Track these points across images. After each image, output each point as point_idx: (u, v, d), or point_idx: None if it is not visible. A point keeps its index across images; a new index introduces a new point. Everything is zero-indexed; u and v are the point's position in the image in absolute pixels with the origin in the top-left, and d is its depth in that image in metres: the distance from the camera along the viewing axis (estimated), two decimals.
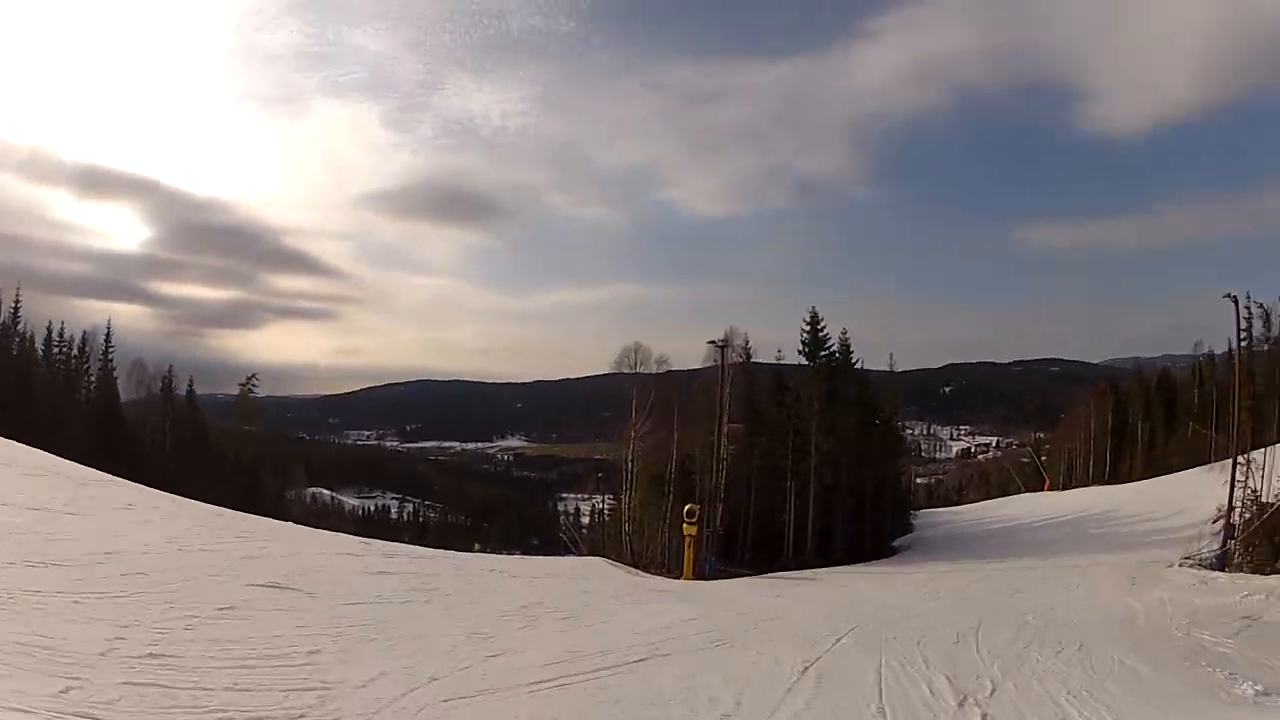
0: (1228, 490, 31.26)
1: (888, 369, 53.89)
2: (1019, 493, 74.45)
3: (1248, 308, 34.24)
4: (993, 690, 12.43)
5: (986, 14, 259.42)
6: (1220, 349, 63.28)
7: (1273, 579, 24.44)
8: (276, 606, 13.31)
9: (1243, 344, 34.08)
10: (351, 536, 31.86)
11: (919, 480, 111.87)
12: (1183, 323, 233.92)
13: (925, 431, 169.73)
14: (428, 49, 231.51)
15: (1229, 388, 58.08)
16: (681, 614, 19.00)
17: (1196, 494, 39.71)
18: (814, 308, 43.51)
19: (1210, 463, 52.82)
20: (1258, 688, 13.03)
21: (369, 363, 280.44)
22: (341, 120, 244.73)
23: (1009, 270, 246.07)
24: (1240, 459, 30.85)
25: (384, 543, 30.25)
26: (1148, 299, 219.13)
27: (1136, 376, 74.62)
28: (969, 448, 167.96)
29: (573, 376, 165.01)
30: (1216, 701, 12.72)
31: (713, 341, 40.82)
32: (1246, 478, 30.34)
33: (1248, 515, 29.72)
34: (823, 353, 43.22)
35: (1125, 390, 72.28)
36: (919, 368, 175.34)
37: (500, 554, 56.75)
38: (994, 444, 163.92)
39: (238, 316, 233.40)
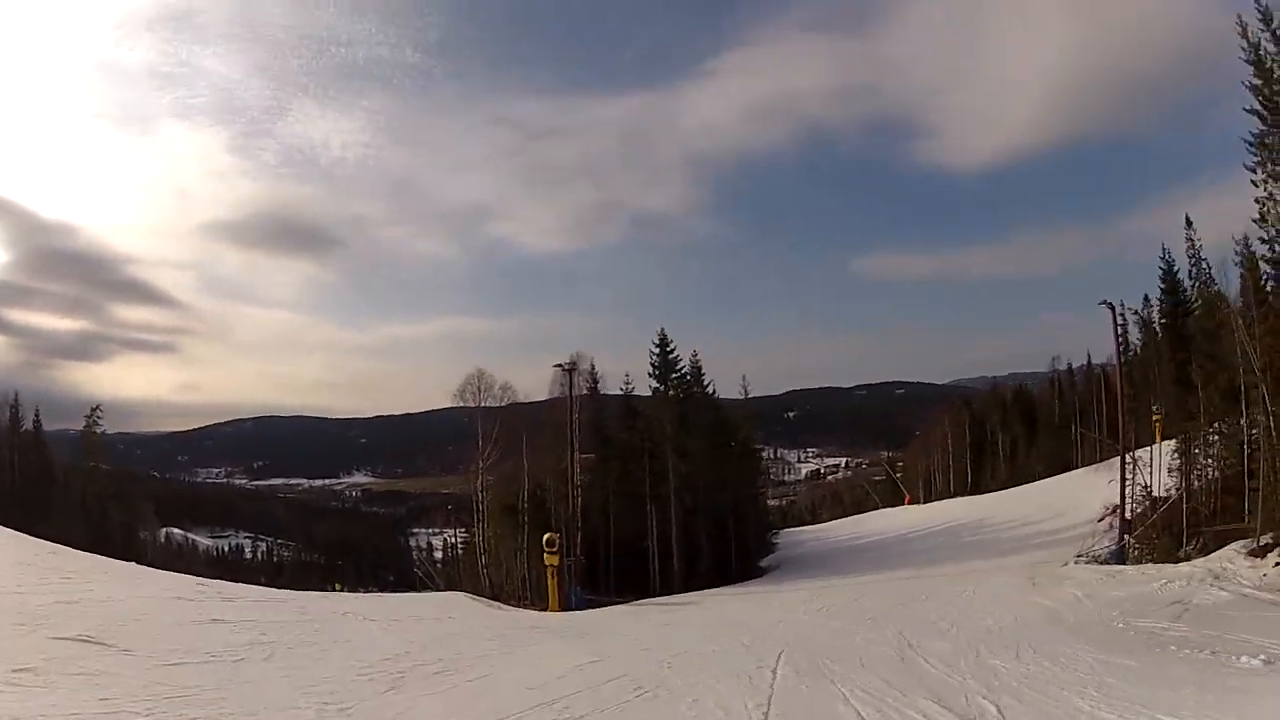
0: (1115, 488, 30.57)
1: (740, 396, 51.03)
2: (876, 509, 74.15)
3: (1122, 315, 34.04)
4: (997, 708, 9.49)
5: (828, 54, 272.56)
6: (1079, 362, 66.79)
7: (1185, 566, 23.19)
8: (81, 669, 10.26)
9: (1122, 349, 33.42)
10: (189, 577, 27.43)
11: (771, 502, 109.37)
12: (1024, 345, 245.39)
13: (773, 455, 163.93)
14: (275, 73, 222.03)
15: (1089, 397, 61.36)
16: (574, 657, 15.11)
17: (1072, 496, 39.46)
18: (662, 329, 41.19)
19: (1080, 466, 54.15)
20: (1260, 657, 12.04)
21: (212, 398, 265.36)
22: (189, 144, 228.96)
23: (850, 298, 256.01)
24: (1128, 457, 30.04)
25: (225, 584, 26.13)
26: (991, 323, 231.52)
27: (992, 391, 76.10)
28: (818, 469, 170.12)
29: (416, 410, 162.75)
30: (1227, 675, 11.36)
31: (559, 365, 38.16)
32: (1134, 475, 29.49)
33: (1140, 510, 29.08)
34: (674, 375, 40.83)
35: (979, 406, 73.53)
36: (763, 394, 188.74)
37: (356, 593, 52.47)
38: (843, 464, 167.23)
39: (85, 348, 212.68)
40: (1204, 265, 31.31)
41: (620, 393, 42.63)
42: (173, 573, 29.52)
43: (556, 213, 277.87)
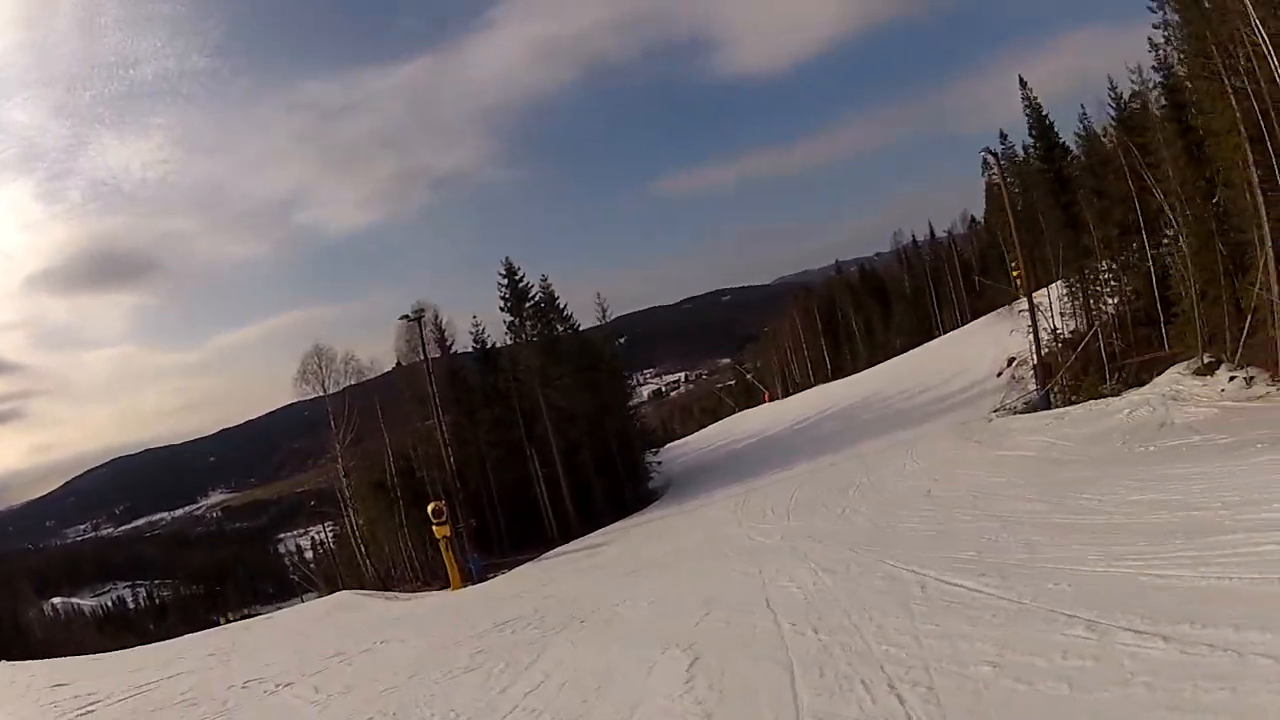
0: (1009, 340, 30.81)
1: (598, 321, 47.10)
2: (734, 413, 73.38)
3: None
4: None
5: None
6: (922, 236, 68.86)
7: (1132, 396, 22.72)
8: None
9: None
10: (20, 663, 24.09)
11: None
12: (842, 234, 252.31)
13: None
14: (71, 111, 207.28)
15: (941, 268, 63.16)
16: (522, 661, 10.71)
17: (956, 357, 39.29)
18: (508, 258, 37.52)
19: (941, 333, 55.07)
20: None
21: (66, 454, 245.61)
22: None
23: (660, 219, 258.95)
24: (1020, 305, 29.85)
25: (53, 663, 23.28)
26: (809, 217, 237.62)
27: (839, 275, 76.09)
28: (659, 388, 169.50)
29: (258, 415, 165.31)
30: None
31: (405, 316, 34.95)
32: (1035, 321, 28.48)
33: (1049, 354, 28.51)
34: (527, 304, 37.35)
35: (824, 292, 73.62)
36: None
37: (243, 619, 47.52)
38: (683, 378, 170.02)
39: None
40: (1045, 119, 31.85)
41: (472, 345, 38.49)
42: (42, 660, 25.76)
43: (358, 189, 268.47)
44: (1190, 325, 23.30)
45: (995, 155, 30.61)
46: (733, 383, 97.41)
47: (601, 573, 20.52)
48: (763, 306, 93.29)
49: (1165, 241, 25.05)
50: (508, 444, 35.52)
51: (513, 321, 37.22)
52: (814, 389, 61.62)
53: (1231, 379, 20.67)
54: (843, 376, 60.07)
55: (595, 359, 40.49)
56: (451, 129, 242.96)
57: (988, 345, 36.39)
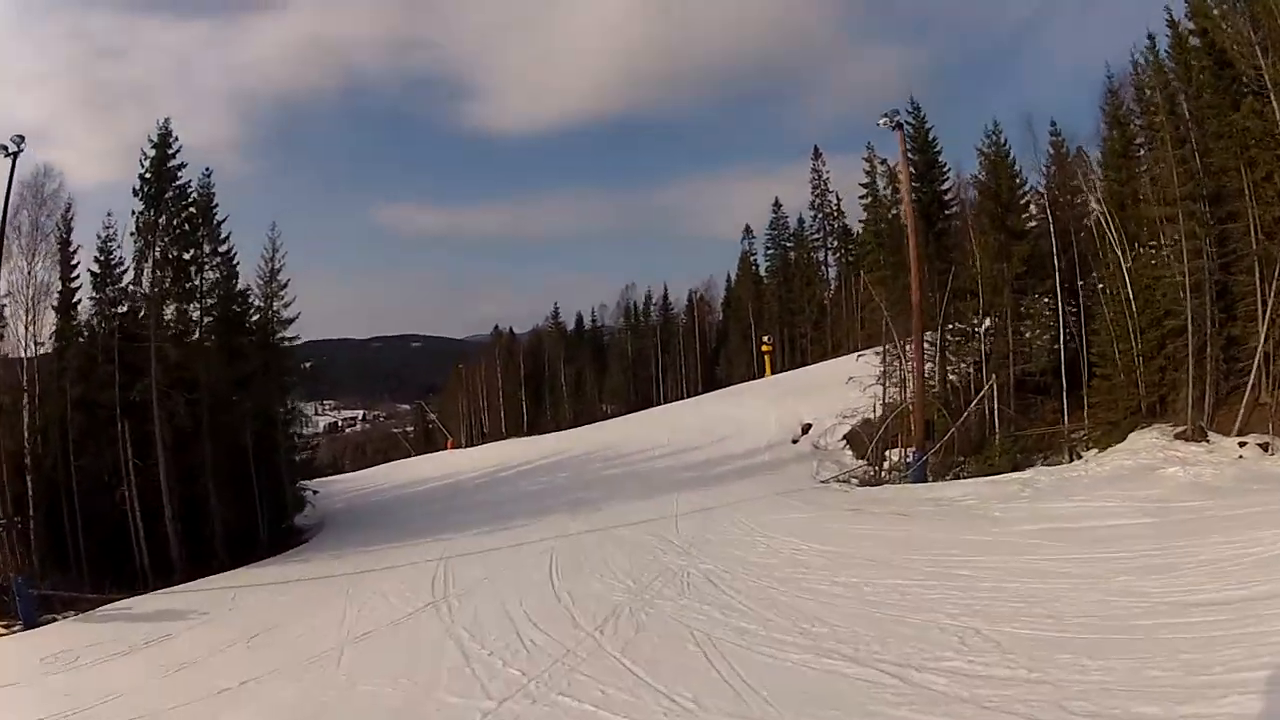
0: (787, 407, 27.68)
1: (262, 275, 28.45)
2: (408, 457, 61.07)
3: None
4: None
5: (391, 4, 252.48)
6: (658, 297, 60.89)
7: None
8: None
9: None
10: None
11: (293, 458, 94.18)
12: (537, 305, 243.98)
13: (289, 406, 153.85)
14: None
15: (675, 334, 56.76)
16: None
17: (730, 417, 31.30)
18: (166, 120, 22.34)
19: (663, 401, 47.62)
20: None
21: None
22: None
23: (371, 248, 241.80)
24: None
25: None
26: (522, 280, 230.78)
27: (553, 328, 65.59)
28: (336, 421, 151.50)
29: None
30: None
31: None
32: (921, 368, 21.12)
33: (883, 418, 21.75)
34: (173, 189, 22.33)
35: (531, 343, 64.85)
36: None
37: None
38: (361, 417, 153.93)
39: None
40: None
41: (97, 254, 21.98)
42: None
43: (111, 139, 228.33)
44: (1119, 390, 18.22)
45: (901, 126, 22.11)
46: (411, 430, 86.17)
47: None
48: (453, 359, 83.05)
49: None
50: (95, 407, 20.46)
51: (145, 218, 21.73)
52: (517, 440, 50.59)
53: (1242, 444, 16.01)
54: (543, 432, 50.74)
55: (247, 310, 26.15)
56: (203, 102, 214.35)
57: (763, 409, 29.23)
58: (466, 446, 57.46)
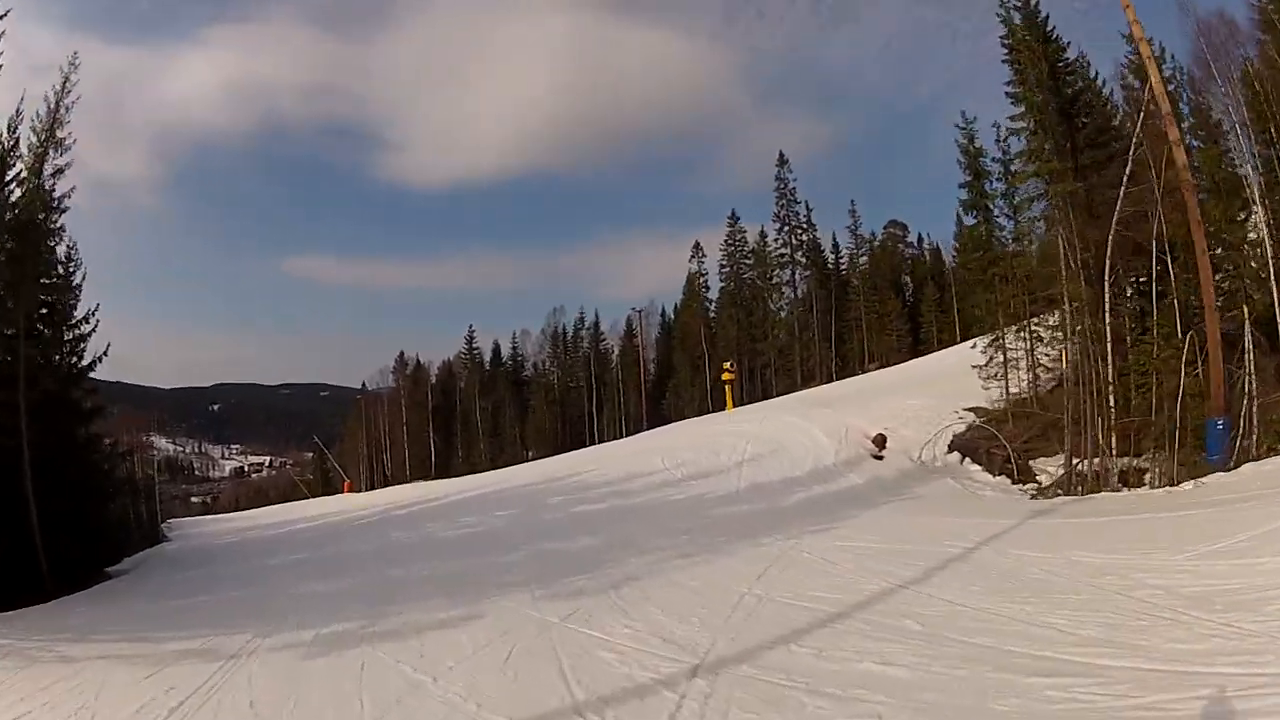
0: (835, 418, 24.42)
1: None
2: (306, 499, 54.04)
3: None
4: None
5: (315, 51, 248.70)
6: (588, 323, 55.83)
7: None
8: None
9: None
10: None
11: (194, 500, 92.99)
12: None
13: (197, 449, 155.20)
14: None
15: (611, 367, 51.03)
16: None
17: (767, 436, 25.67)
18: None
19: (599, 440, 42.27)
20: None
21: None
22: None
23: (281, 297, 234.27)
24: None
25: None
26: (435, 334, 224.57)
27: (466, 357, 59.35)
28: (242, 466, 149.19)
29: None
30: None
31: None
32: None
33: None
34: None
35: (445, 376, 59.25)
36: (189, 385, 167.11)
37: None
38: (268, 462, 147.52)
39: None
40: None
41: None
42: None
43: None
44: None
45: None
46: (311, 476, 79.26)
47: None
48: (355, 410, 78.25)
49: None
50: None
51: None
52: (453, 479, 43.15)
53: None
54: (445, 476, 44.16)
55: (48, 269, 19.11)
56: (125, 134, 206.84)
57: (793, 423, 26.16)
58: (365, 490, 51.04)
